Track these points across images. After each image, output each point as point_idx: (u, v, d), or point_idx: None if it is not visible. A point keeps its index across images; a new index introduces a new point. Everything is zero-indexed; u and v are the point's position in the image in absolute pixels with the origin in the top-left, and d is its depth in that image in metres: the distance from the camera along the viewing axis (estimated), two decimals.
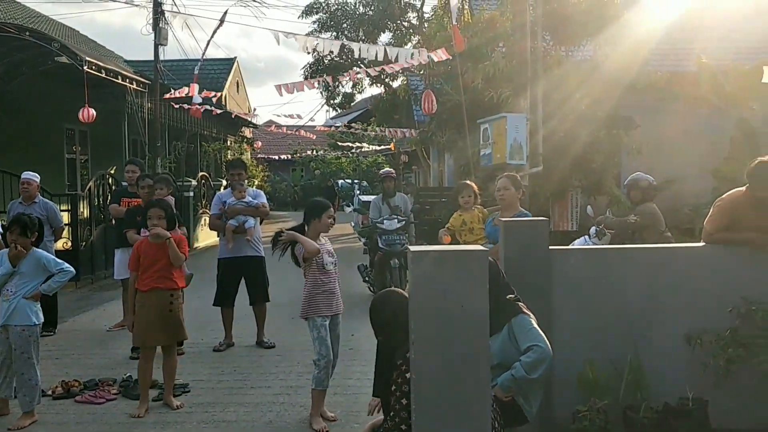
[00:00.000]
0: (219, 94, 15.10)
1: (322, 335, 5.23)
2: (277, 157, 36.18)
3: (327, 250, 5.40)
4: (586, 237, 7.28)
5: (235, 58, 30.02)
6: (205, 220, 16.91)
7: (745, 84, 12.96)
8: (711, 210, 4.97)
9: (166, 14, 17.33)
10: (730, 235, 4.81)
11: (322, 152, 36.61)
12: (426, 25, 24.11)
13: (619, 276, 4.77)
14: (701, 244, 4.99)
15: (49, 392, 5.91)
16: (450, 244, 6.63)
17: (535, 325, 3.97)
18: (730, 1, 16.04)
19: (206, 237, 18.60)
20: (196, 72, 15.86)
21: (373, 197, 12.61)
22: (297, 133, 26.43)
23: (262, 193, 8.07)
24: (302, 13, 28.55)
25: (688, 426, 4.38)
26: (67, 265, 5.65)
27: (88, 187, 13.10)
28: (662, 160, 12.94)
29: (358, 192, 28.27)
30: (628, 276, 4.77)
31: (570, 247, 6.32)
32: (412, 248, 3.30)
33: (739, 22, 15.00)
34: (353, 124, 30.80)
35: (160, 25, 17.11)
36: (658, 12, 13.25)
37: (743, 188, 4.90)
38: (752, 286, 4.69)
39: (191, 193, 18.05)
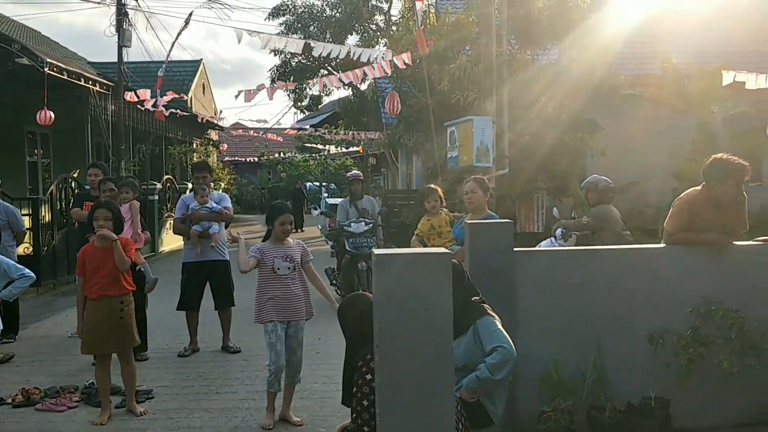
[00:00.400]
0: (184, 96, 14.88)
1: (272, 341, 5.22)
2: (243, 160, 35.97)
3: (284, 255, 5.34)
4: (552, 239, 7.34)
5: (201, 60, 29.78)
6: (170, 223, 16.73)
7: (707, 87, 13.22)
8: (670, 210, 5.04)
9: (130, 15, 17.13)
10: (691, 235, 4.88)
11: (289, 155, 36.49)
12: (394, 28, 24.16)
13: (583, 277, 4.81)
14: (663, 245, 5.06)
15: (9, 400, 5.78)
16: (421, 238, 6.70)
17: (500, 327, 3.98)
18: (694, 5, 16.33)
19: (171, 241, 18.40)
20: (160, 74, 15.68)
21: (340, 200, 12.58)
22: (264, 136, 26.30)
23: (226, 196, 7.99)
24: (269, 15, 28.46)
25: (651, 425, 4.44)
26: (27, 270, 5.53)
27: (50, 191, 12.88)
28: (626, 161, 13.15)
29: (325, 195, 28.22)
30: (592, 277, 4.81)
31: (536, 248, 6.36)
32: (376, 251, 3.29)
33: (702, 25, 15.29)
34: (320, 127, 30.75)
35: (124, 26, 16.90)
36: (622, 16, 13.43)
37: (699, 187, 4.99)
38: (713, 286, 4.77)
39: (156, 197, 17.83)
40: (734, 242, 4.91)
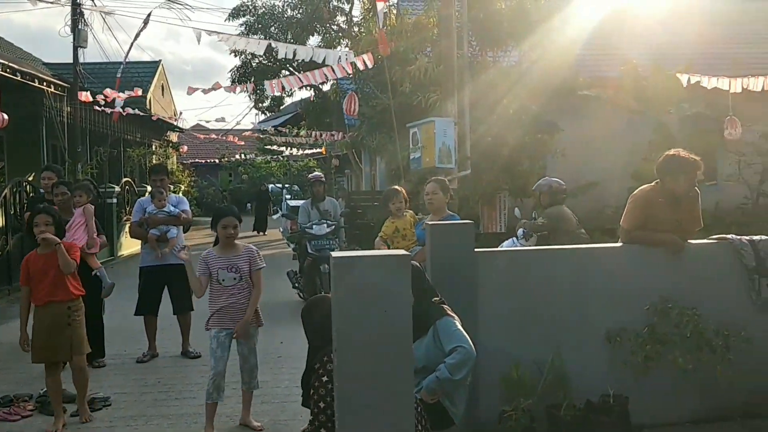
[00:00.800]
0: (139, 90, 14.57)
1: (212, 347, 5.15)
2: (204, 161, 35.61)
3: (229, 265, 5.19)
4: (514, 239, 7.39)
5: (160, 61, 29.38)
6: (128, 227, 16.46)
7: (665, 88, 13.46)
8: (626, 207, 5.10)
9: (86, 15, 16.82)
10: (647, 235, 4.94)
11: (251, 156, 36.22)
12: (356, 29, 24.15)
13: (543, 277, 4.84)
14: (620, 244, 5.12)
15: None
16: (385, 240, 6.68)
17: (459, 327, 3.99)
18: (653, 8, 16.62)
19: (131, 245, 18.10)
20: (118, 75, 15.43)
21: (302, 202, 12.50)
22: (225, 138, 26.06)
23: (184, 199, 7.88)
24: (229, 15, 28.21)
25: (610, 422, 4.48)
26: None
27: (3, 195, 12.58)
28: (586, 162, 13.31)
29: (287, 197, 28.05)
30: (552, 276, 4.84)
31: (497, 249, 6.39)
32: (335, 254, 3.27)
33: (661, 28, 15.56)
34: (282, 128, 30.59)
35: (80, 26, 16.59)
36: (581, 18, 13.61)
37: (653, 183, 5.06)
38: (669, 284, 4.84)
39: (114, 200, 17.54)
40: (689, 241, 4.99)
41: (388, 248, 6.58)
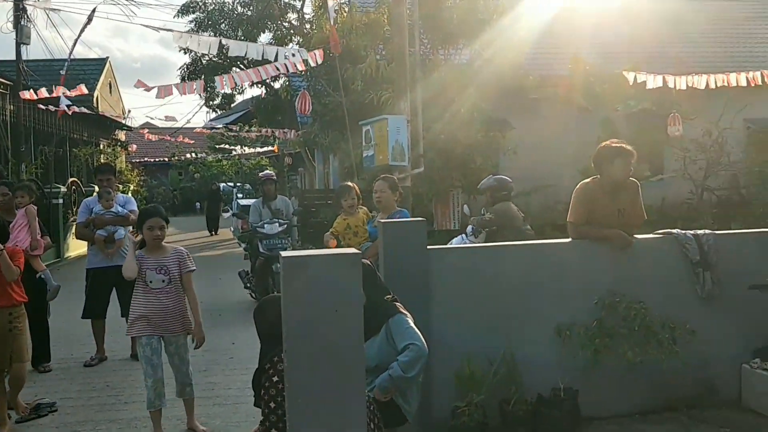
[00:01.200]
0: (84, 87, 14.15)
1: (146, 354, 4.91)
2: (153, 160, 35.01)
3: (158, 266, 4.99)
4: (463, 236, 7.42)
5: (107, 58, 28.74)
6: (75, 228, 16.08)
7: (612, 86, 13.72)
8: (570, 202, 5.17)
9: (30, 11, 16.36)
10: (595, 230, 5.02)
11: (202, 155, 35.75)
12: (307, 26, 23.99)
13: (493, 272, 4.87)
14: (569, 239, 5.19)
15: None
16: (336, 247, 6.60)
17: (412, 324, 4.00)
18: (601, 7, 16.92)
19: (77, 246, 17.68)
20: (63, 72, 15.03)
21: (253, 201, 12.37)
22: (176, 140, 25.64)
23: (132, 199, 7.72)
24: (178, 12, 27.75)
25: (560, 415, 4.54)
26: None
27: None
28: (538, 159, 13.48)
29: (239, 196, 27.74)
30: (502, 272, 4.88)
31: (447, 246, 6.41)
32: (284, 253, 3.23)
33: (609, 28, 15.85)
34: (233, 126, 30.22)
35: (22, 22, 16.13)
36: (532, 16, 13.77)
37: (593, 177, 5.14)
38: (617, 278, 4.93)
39: (60, 201, 17.11)
40: (636, 236, 5.08)
41: (338, 244, 6.56)
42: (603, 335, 4.75)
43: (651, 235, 5.24)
